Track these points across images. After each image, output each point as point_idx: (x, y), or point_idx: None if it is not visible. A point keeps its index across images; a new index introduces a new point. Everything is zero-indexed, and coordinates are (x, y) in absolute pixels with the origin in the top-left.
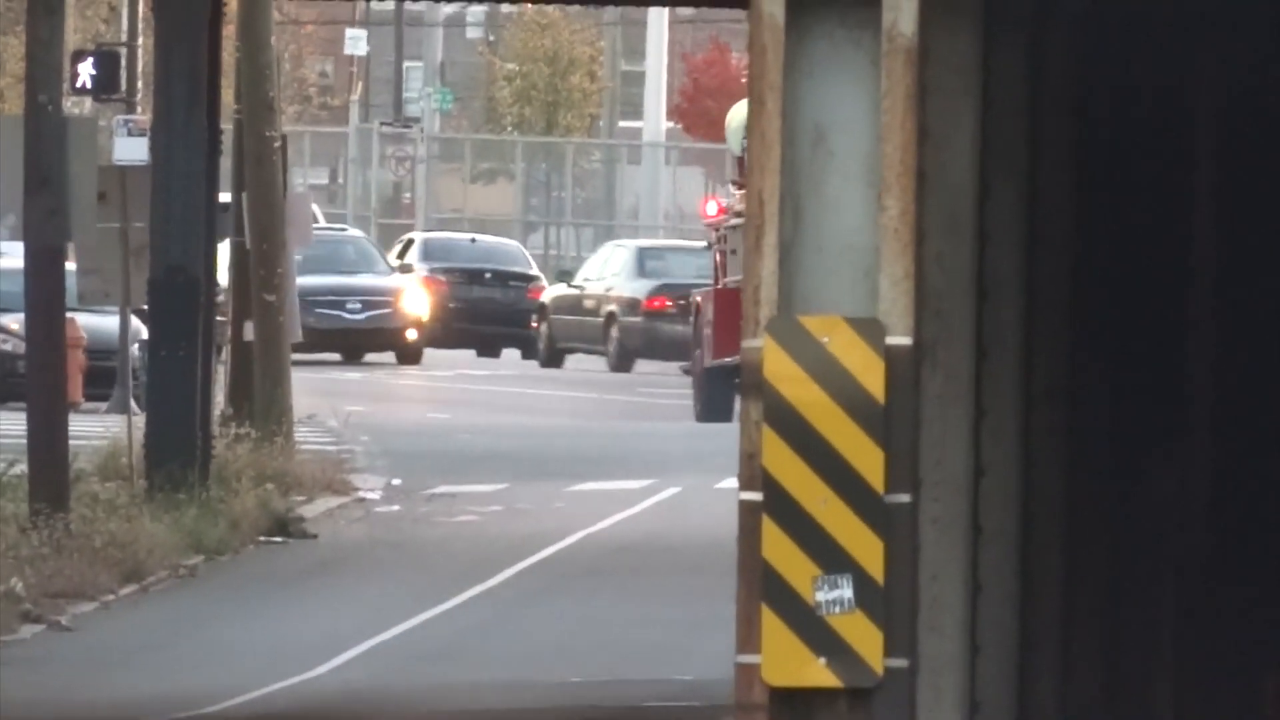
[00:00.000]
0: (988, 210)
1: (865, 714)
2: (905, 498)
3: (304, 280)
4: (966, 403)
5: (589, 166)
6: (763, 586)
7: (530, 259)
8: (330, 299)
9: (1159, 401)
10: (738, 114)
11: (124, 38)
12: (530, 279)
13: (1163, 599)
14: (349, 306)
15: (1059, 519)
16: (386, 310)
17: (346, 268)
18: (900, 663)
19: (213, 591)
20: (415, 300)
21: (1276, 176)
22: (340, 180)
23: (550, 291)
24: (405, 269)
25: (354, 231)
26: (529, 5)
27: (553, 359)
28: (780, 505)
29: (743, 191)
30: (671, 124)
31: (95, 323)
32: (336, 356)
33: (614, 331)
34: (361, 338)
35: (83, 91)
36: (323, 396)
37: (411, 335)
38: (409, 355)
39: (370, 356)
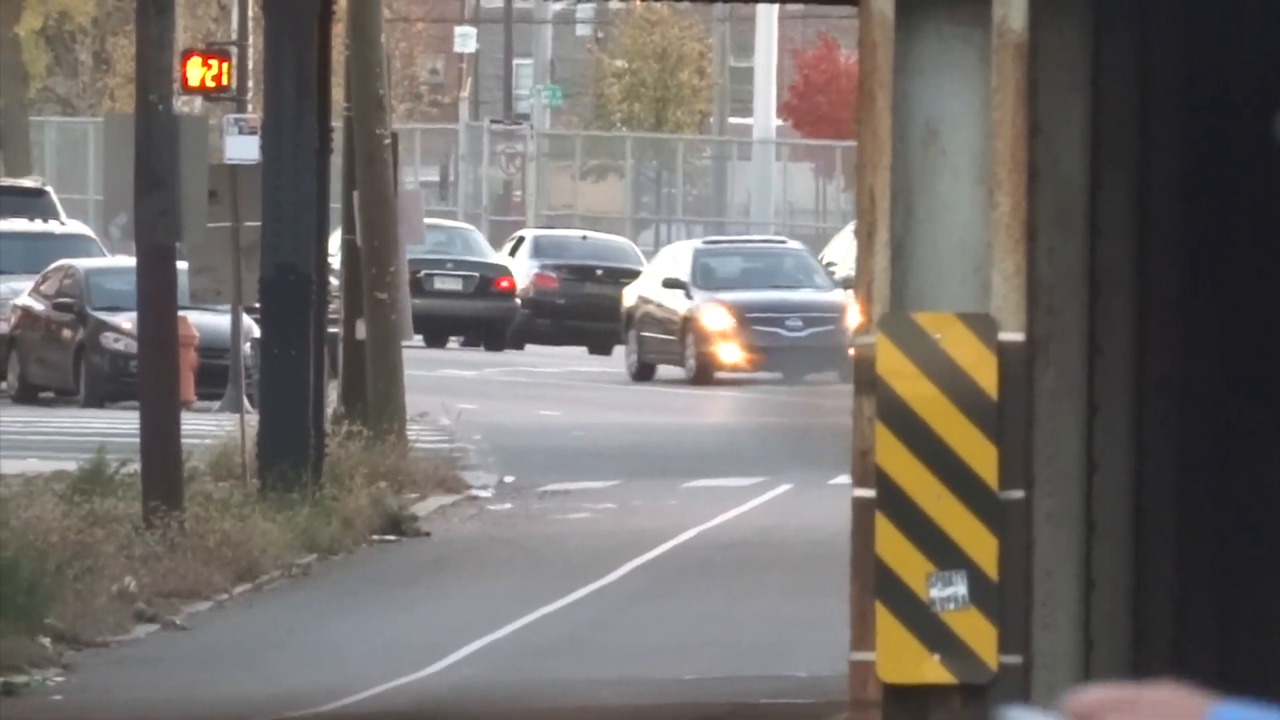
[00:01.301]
0: (1099, 205)
1: (979, 710)
2: (1019, 494)
3: (740, 295)
4: (1079, 398)
5: (699, 163)
6: (876, 583)
7: (641, 256)
8: (768, 315)
9: (1269, 393)
10: None
11: (234, 36)
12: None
13: (1274, 592)
14: (789, 324)
15: (1171, 513)
16: (829, 327)
17: (785, 282)
18: (1014, 659)
19: (326, 590)
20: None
21: None
22: (451, 178)
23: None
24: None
25: (793, 244)
26: (638, 2)
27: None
28: (894, 502)
29: None
30: (781, 121)
31: (208, 321)
32: (777, 375)
33: None
34: (802, 356)
35: (193, 91)
36: (435, 394)
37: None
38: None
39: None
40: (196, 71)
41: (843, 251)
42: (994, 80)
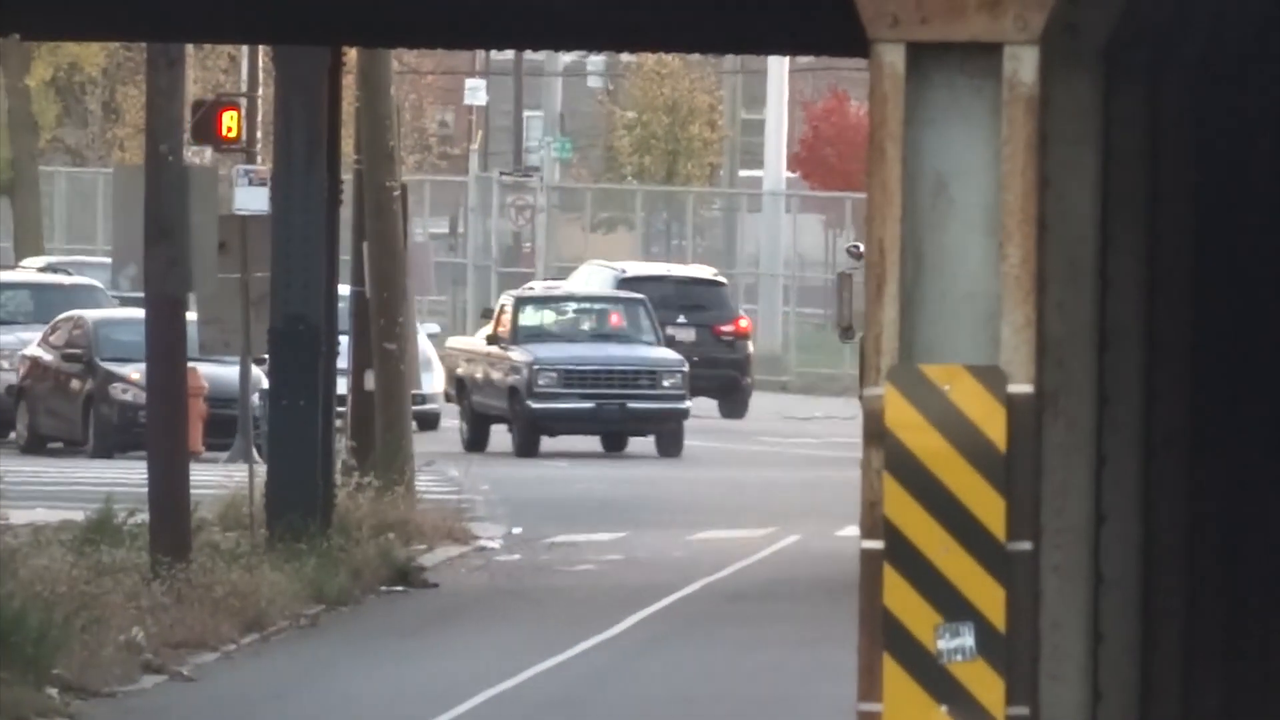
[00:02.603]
0: (1108, 258)
1: None
2: (1027, 546)
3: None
4: (1088, 450)
5: (709, 215)
6: (884, 634)
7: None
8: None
9: (1279, 447)
10: None
11: (243, 88)
12: None
13: None
14: None
15: (1180, 566)
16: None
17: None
18: (1022, 711)
19: (334, 641)
20: None
21: None
22: (460, 229)
23: None
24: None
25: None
26: (649, 54)
27: None
28: (902, 553)
29: None
30: (791, 173)
31: (216, 372)
32: None
33: None
34: None
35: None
36: (443, 446)
37: None
38: None
39: None
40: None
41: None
42: (1004, 132)
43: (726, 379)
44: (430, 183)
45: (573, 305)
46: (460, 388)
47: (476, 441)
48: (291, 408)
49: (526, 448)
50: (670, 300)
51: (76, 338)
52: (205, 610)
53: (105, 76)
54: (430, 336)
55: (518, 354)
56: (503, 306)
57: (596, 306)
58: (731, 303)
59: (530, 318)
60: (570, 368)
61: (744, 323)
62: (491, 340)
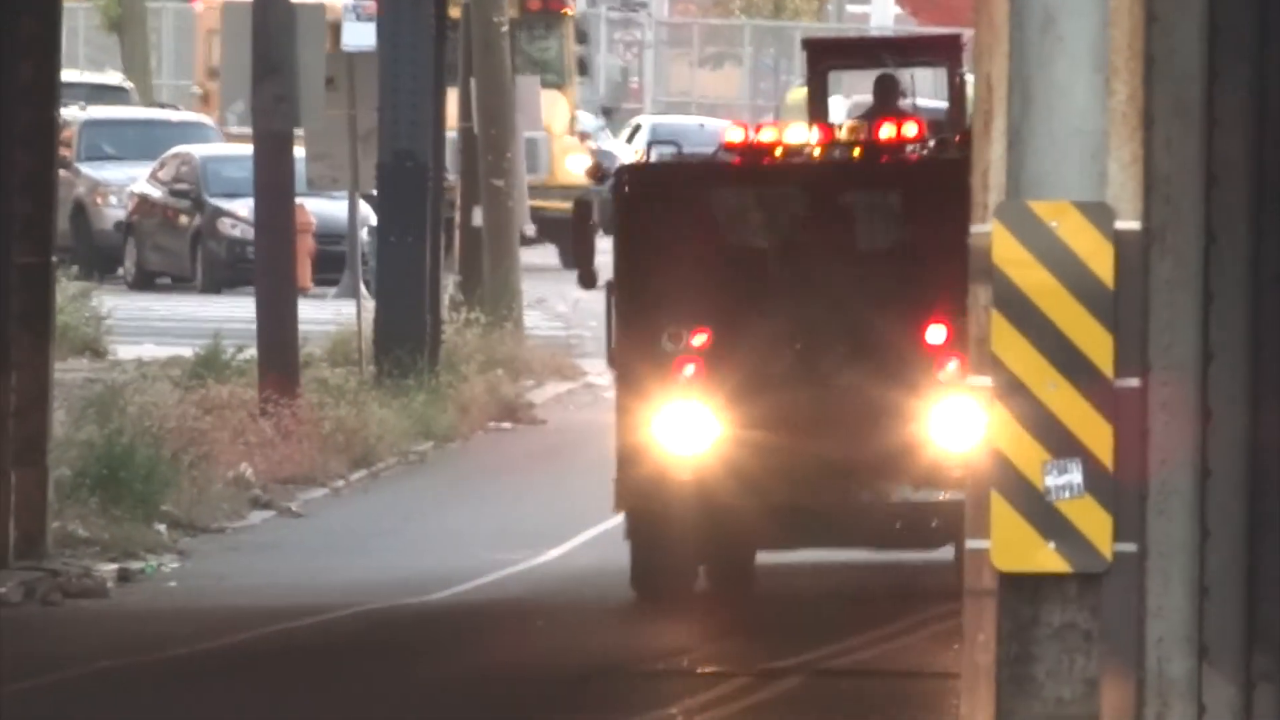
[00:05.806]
0: (1216, 95)
1: (1094, 598)
2: (1134, 382)
3: None
4: (1195, 287)
5: None
6: (992, 472)
7: None
8: None
9: None
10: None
11: None
12: None
13: None
14: None
15: None
16: None
17: None
18: (1129, 548)
19: (442, 477)
20: None
21: None
22: None
23: None
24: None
25: None
26: None
27: None
28: (1009, 390)
29: None
30: (899, 9)
31: (324, 208)
32: None
33: None
34: None
35: None
36: (551, 282)
37: None
38: None
39: None
40: None
41: None
42: None
43: None
44: None
45: None
46: None
47: None
48: (400, 244)
49: None
50: None
51: (185, 173)
52: (313, 446)
53: None
54: None
55: None
56: None
57: None
58: None
59: None
60: None
61: None
62: None
